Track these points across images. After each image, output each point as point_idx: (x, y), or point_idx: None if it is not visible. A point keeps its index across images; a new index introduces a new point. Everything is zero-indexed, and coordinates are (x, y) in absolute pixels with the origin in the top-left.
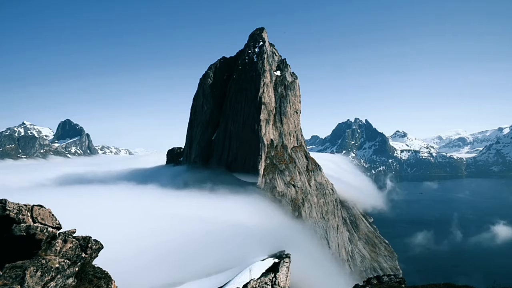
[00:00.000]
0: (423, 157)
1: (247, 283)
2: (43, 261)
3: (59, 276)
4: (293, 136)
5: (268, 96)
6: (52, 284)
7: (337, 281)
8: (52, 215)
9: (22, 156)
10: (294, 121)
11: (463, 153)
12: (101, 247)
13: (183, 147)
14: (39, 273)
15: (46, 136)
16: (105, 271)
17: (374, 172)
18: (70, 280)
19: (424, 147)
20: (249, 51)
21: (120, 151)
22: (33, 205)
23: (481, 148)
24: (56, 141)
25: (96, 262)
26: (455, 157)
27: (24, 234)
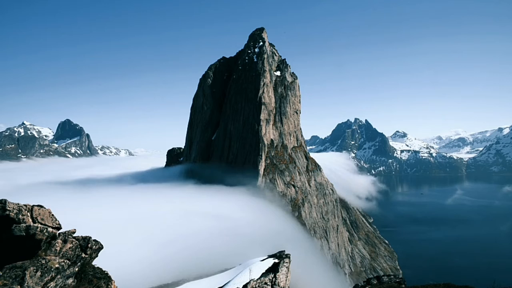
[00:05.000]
0: (423, 157)
1: (247, 283)
2: (43, 261)
3: (59, 276)
4: (293, 136)
5: (268, 96)
6: (52, 284)
7: (332, 283)
8: (52, 215)
9: (22, 156)
10: (294, 121)
11: (463, 153)
12: (101, 247)
13: (183, 147)
14: (39, 273)
15: (46, 136)
16: (105, 271)
17: (374, 172)
18: (70, 280)
19: (424, 147)
20: (249, 51)
21: (120, 151)
22: (33, 205)
23: (481, 148)
24: (56, 141)
25: (96, 262)
26: (455, 157)
27: (24, 234)
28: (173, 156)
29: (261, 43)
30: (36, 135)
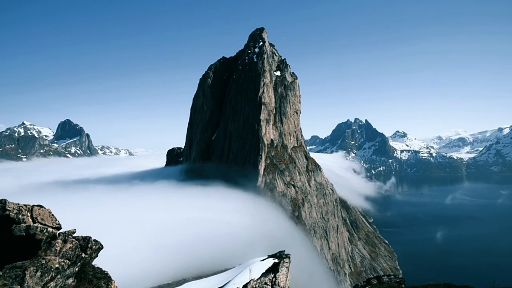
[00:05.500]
0: (423, 157)
1: (247, 283)
2: (43, 261)
3: (59, 276)
4: (293, 136)
5: (268, 96)
6: (52, 284)
7: (331, 283)
8: (52, 215)
9: (22, 156)
10: (294, 121)
11: (463, 153)
12: (101, 247)
13: (183, 147)
14: (39, 273)
15: (46, 136)
16: (105, 271)
17: (374, 172)
18: (70, 280)
19: (424, 147)
20: (249, 51)
21: (120, 151)
22: (33, 205)
23: (481, 148)
24: (56, 141)
25: (96, 262)
26: (455, 157)
27: (24, 234)
28: (173, 156)
29: (261, 43)
30: (36, 135)
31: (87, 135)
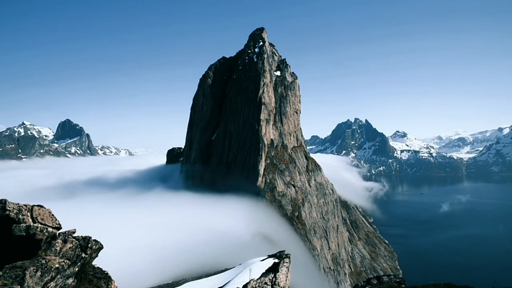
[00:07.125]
0: (423, 157)
1: (247, 283)
2: (43, 261)
3: (59, 276)
4: (293, 136)
5: (268, 96)
6: (52, 284)
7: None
8: (52, 215)
9: (22, 156)
10: (294, 121)
11: (463, 153)
12: (101, 247)
13: (183, 147)
14: (39, 273)
15: (46, 136)
16: (105, 271)
17: (374, 172)
18: (70, 280)
19: (424, 147)
20: (249, 51)
21: (120, 151)
22: (33, 205)
23: (481, 148)
24: (56, 141)
25: (96, 262)
26: (455, 157)
27: (24, 234)
28: (173, 156)
29: (261, 43)
30: (36, 135)
31: (87, 135)
